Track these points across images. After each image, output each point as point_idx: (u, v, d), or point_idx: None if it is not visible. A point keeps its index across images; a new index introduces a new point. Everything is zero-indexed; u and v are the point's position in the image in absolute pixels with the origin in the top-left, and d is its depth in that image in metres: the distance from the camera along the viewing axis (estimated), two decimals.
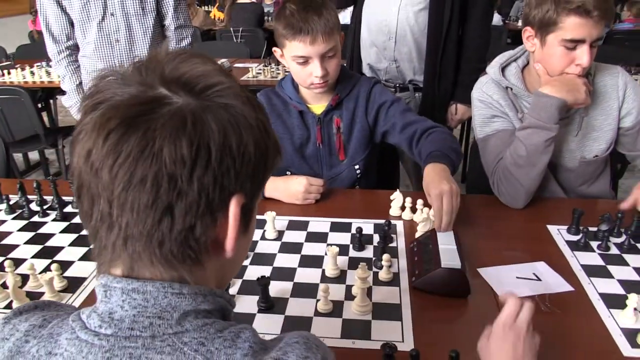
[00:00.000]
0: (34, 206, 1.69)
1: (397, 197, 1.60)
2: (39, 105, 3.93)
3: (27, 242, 1.50)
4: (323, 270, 1.33)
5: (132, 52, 2.36)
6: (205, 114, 0.56)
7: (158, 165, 0.53)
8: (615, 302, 1.20)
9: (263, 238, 1.49)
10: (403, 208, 1.60)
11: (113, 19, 2.32)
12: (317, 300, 1.21)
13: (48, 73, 3.77)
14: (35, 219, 1.63)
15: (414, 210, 1.58)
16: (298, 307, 1.20)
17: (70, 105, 2.48)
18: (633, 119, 1.67)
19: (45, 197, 1.71)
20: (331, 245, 1.34)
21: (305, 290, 1.26)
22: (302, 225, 1.56)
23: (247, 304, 1.21)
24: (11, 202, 1.70)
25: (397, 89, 2.28)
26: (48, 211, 1.67)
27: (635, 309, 1.14)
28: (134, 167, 0.53)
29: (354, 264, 1.29)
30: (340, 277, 1.31)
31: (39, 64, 3.90)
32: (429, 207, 1.48)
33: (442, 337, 1.11)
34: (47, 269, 1.36)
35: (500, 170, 1.65)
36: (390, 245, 1.44)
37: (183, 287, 0.59)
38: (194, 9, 6.58)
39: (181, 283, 0.60)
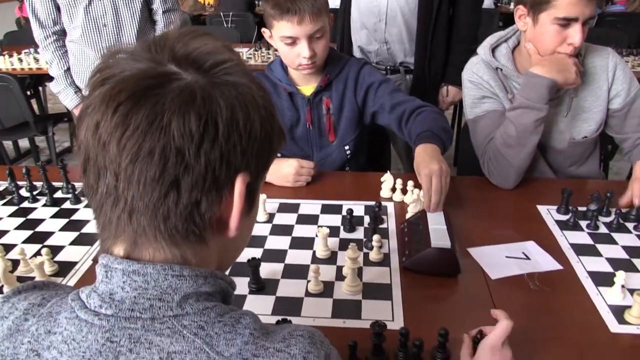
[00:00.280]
0: (23, 192, 1.68)
1: (387, 178, 1.61)
2: (28, 93, 3.89)
3: (17, 228, 1.49)
4: (314, 252, 1.33)
5: (120, 37, 2.34)
6: (214, 90, 0.56)
7: (166, 139, 0.53)
8: (603, 280, 1.21)
9: None
10: (394, 190, 1.61)
11: (100, 3, 2.28)
12: (308, 281, 1.21)
13: (36, 60, 3.72)
14: (25, 204, 1.62)
15: (404, 191, 1.58)
16: (289, 288, 1.21)
17: (58, 91, 2.46)
18: (621, 100, 1.67)
19: (35, 183, 1.70)
20: (322, 226, 1.34)
21: (296, 272, 1.26)
22: (293, 208, 1.56)
23: (238, 285, 1.14)
24: (0, 189, 1.69)
25: (388, 71, 2.27)
26: (38, 197, 1.66)
27: (622, 286, 1.15)
28: (142, 140, 0.53)
29: (344, 245, 1.29)
30: (331, 258, 1.31)
31: (26, 50, 3.85)
32: (420, 188, 1.49)
33: (431, 315, 1.12)
34: (37, 253, 1.35)
35: (490, 151, 1.66)
36: (381, 226, 1.45)
37: (184, 269, 0.58)
38: None
39: (183, 264, 0.59)
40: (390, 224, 1.47)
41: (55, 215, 1.55)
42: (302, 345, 0.58)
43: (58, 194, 1.68)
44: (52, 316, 0.60)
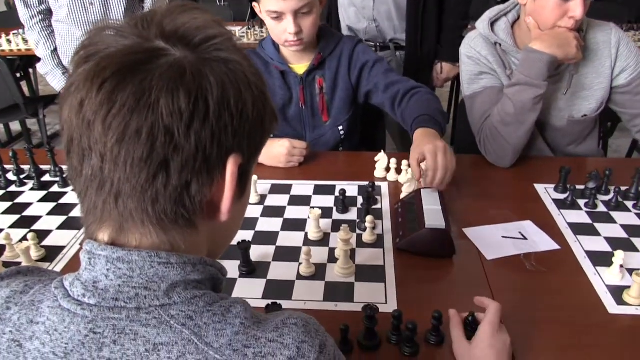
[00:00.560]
0: (10, 176, 1.65)
1: (381, 158, 1.58)
2: (18, 75, 3.84)
3: (4, 213, 1.46)
4: (306, 234, 1.32)
5: (108, 16, 2.28)
6: (204, 67, 0.54)
7: (154, 117, 0.51)
8: (601, 259, 1.20)
9: None
10: (388, 169, 1.58)
11: None
12: (300, 264, 1.19)
13: (25, 41, 3.66)
14: (12, 188, 1.59)
15: (399, 171, 1.56)
16: (280, 270, 1.19)
17: (46, 72, 2.41)
18: (628, 75, 1.62)
19: (22, 166, 1.67)
20: (314, 208, 1.32)
21: (288, 254, 1.24)
22: (285, 189, 1.54)
23: (228, 268, 1.13)
24: None
25: (378, 48, 2.25)
26: (25, 180, 1.63)
27: (621, 266, 1.13)
28: (129, 118, 0.51)
29: (337, 226, 1.27)
30: (324, 240, 1.29)
31: (15, 31, 3.79)
32: None
33: (426, 298, 1.10)
34: (24, 238, 1.33)
35: (488, 129, 1.63)
36: (375, 207, 1.43)
37: (171, 257, 0.56)
38: None
39: (171, 250, 0.58)
40: (384, 204, 1.45)
41: (42, 199, 1.53)
42: (295, 334, 0.56)
43: (46, 178, 1.65)
44: (34, 305, 0.58)
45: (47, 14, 2.36)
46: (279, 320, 0.58)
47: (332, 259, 1.22)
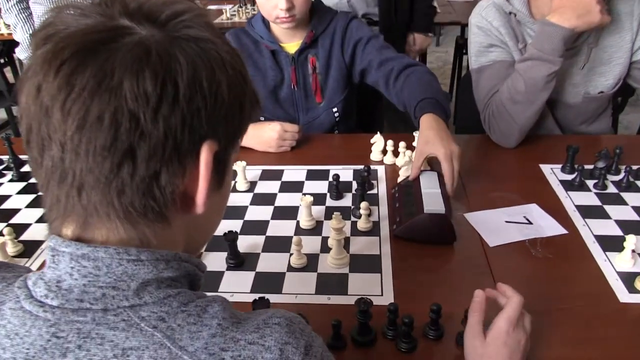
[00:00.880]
0: None
1: (377, 140, 1.55)
2: (2, 61, 3.79)
3: None
4: (298, 222, 1.28)
5: None
6: (172, 46, 0.52)
7: (117, 101, 0.49)
8: (612, 244, 1.16)
9: (234, 190, 1.43)
10: (385, 152, 1.55)
11: None
12: (291, 254, 1.16)
13: (7, 25, 3.60)
14: None
15: (396, 153, 1.53)
16: (270, 262, 1.16)
17: (25, 57, 2.37)
18: None
19: (1, 157, 1.63)
20: (306, 194, 1.29)
21: (278, 244, 1.21)
22: (276, 175, 1.50)
23: (215, 261, 1.16)
24: None
25: None
26: (4, 172, 1.59)
27: (633, 251, 1.10)
28: (90, 103, 0.48)
29: (331, 214, 1.23)
30: (316, 229, 1.26)
31: None
32: (412, 149, 1.43)
33: (424, 288, 1.07)
34: (0, 233, 1.29)
35: (494, 106, 1.58)
36: (370, 192, 1.39)
37: (141, 253, 0.54)
38: None
39: (140, 246, 0.55)
40: (381, 189, 1.41)
41: (22, 191, 1.49)
42: (278, 335, 0.54)
43: (26, 168, 1.61)
44: None
45: None
46: (261, 320, 0.56)
47: (325, 248, 1.19)
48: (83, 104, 0.48)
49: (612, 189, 1.38)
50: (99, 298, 0.52)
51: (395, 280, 1.08)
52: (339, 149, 1.69)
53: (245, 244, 1.20)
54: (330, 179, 1.40)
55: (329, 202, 1.37)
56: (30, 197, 1.45)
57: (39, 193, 0.55)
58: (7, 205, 1.43)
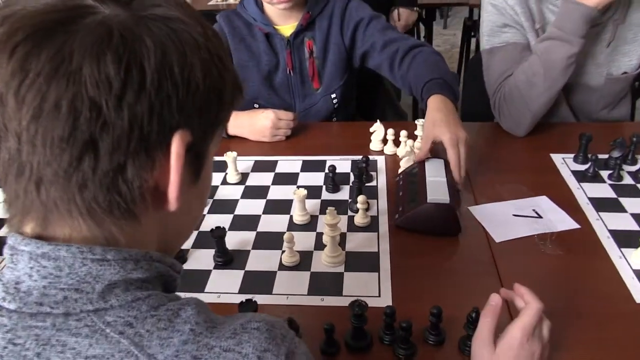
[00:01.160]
0: None
1: (377, 129, 1.51)
2: None
3: None
4: (291, 217, 1.25)
5: None
6: (139, 26, 0.50)
7: (76, 88, 0.46)
8: (627, 240, 1.13)
9: (224, 182, 1.40)
10: (385, 141, 1.51)
11: None
12: (283, 252, 1.12)
13: None
14: None
15: (397, 143, 1.49)
16: (260, 260, 1.13)
17: None
18: None
19: None
20: (300, 187, 1.25)
21: (269, 241, 1.18)
22: (270, 166, 1.47)
23: (202, 259, 1.14)
24: None
25: None
26: None
27: None
28: (46, 90, 0.46)
29: (327, 207, 1.20)
30: (310, 224, 1.23)
31: None
32: (414, 138, 1.41)
33: (424, 289, 1.04)
34: None
35: (507, 89, 1.54)
36: (369, 184, 1.35)
37: (107, 252, 0.52)
38: None
39: (107, 246, 0.53)
40: (380, 180, 1.38)
41: None
42: (257, 341, 0.52)
43: None
44: None
45: None
46: (238, 324, 0.53)
47: (319, 245, 1.15)
48: (38, 90, 0.46)
49: (628, 180, 1.35)
50: (60, 301, 0.50)
51: (393, 279, 1.05)
52: (337, 138, 1.66)
53: (234, 240, 1.17)
54: (327, 170, 1.36)
55: (325, 195, 1.33)
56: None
57: None
58: None
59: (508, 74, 1.55)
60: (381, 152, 1.51)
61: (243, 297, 0.95)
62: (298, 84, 1.71)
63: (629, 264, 1.07)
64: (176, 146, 0.52)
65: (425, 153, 1.29)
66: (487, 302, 0.84)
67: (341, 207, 1.24)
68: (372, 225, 1.20)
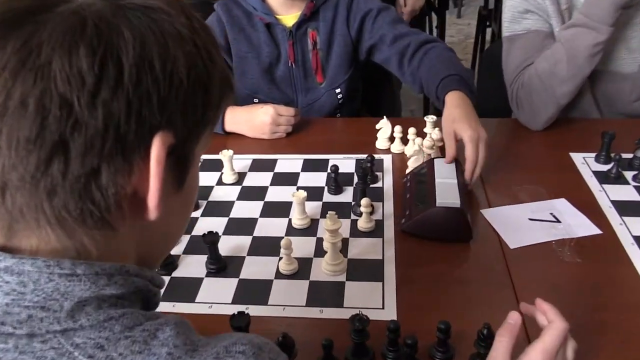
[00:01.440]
0: None
1: (384, 125, 1.48)
2: None
3: None
4: (290, 220, 1.22)
5: None
6: (116, 17, 0.48)
7: (45, 84, 0.44)
8: None
9: (220, 183, 1.37)
10: (392, 139, 1.48)
11: None
12: (280, 258, 1.09)
13: None
14: None
15: (404, 141, 1.46)
16: (256, 267, 1.10)
17: None
18: None
19: None
20: (299, 189, 1.22)
21: (266, 247, 1.15)
22: (269, 165, 1.44)
23: (194, 266, 1.11)
24: None
25: None
26: None
27: None
28: (11, 85, 0.44)
29: (328, 210, 1.17)
30: (310, 228, 1.20)
31: None
32: (423, 136, 1.38)
33: (432, 301, 1.01)
34: None
35: (526, 78, 1.51)
36: (374, 185, 1.32)
37: (77, 266, 0.49)
38: None
39: (78, 258, 0.51)
40: (386, 182, 1.35)
41: None
42: None
43: None
44: None
45: None
46: (222, 347, 0.51)
47: (319, 252, 1.12)
48: (3, 86, 0.44)
49: None
50: (24, 321, 0.47)
51: (399, 290, 1.02)
52: (341, 135, 1.63)
53: (228, 245, 1.15)
54: (329, 170, 1.33)
55: (327, 197, 1.30)
56: None
57: None
58: None
59: (528, 63, 1.53)
60: (388, 151, 1.48)
61: (236, 308, 0.93)
62: (300, 77, 1.69)
63: None
64: (156, 149, 0.49)
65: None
66: (505, 319, 0.78)
67: (343, 210, 1.21)
68: (376, 230, 1.18)
